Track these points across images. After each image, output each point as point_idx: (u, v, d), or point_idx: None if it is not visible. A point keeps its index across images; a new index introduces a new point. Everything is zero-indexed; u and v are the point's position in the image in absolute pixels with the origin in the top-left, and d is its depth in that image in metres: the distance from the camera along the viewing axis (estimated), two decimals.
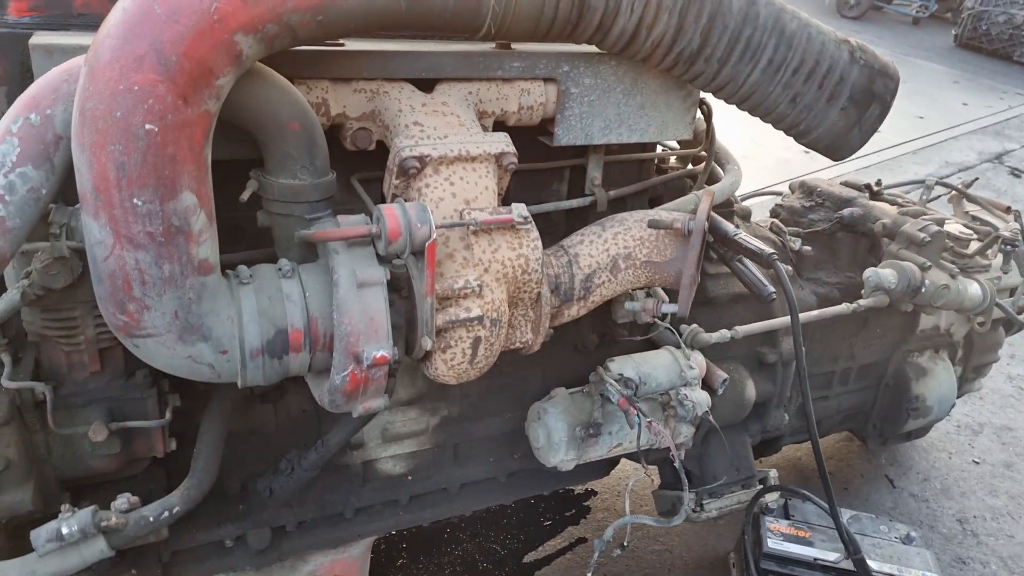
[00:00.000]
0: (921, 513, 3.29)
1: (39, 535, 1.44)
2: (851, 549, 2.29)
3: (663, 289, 2.03)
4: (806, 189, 2.92)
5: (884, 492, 3.38)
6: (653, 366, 2.06)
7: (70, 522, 1.45)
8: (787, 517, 2.54)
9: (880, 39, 12.33)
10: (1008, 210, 3.14)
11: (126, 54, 1.15)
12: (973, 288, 2.61)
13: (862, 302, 2.47)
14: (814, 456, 2.18)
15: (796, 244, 2.59)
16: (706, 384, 2.15)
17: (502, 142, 1.62)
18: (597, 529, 2.98)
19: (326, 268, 1.41)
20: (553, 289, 1.76)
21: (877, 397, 2.95)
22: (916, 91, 9.52)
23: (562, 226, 2.09)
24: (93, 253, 1.24)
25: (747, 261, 1.92)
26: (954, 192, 3.22)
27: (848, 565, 2.35)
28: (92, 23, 1.52)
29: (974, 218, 3.07)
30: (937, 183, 3.11)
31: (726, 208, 2.42)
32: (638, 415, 1.94)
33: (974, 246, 2.68)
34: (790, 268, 2.55)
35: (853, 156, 2.04)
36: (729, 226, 1.89)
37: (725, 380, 2.16)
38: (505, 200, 1.66)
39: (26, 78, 1.43)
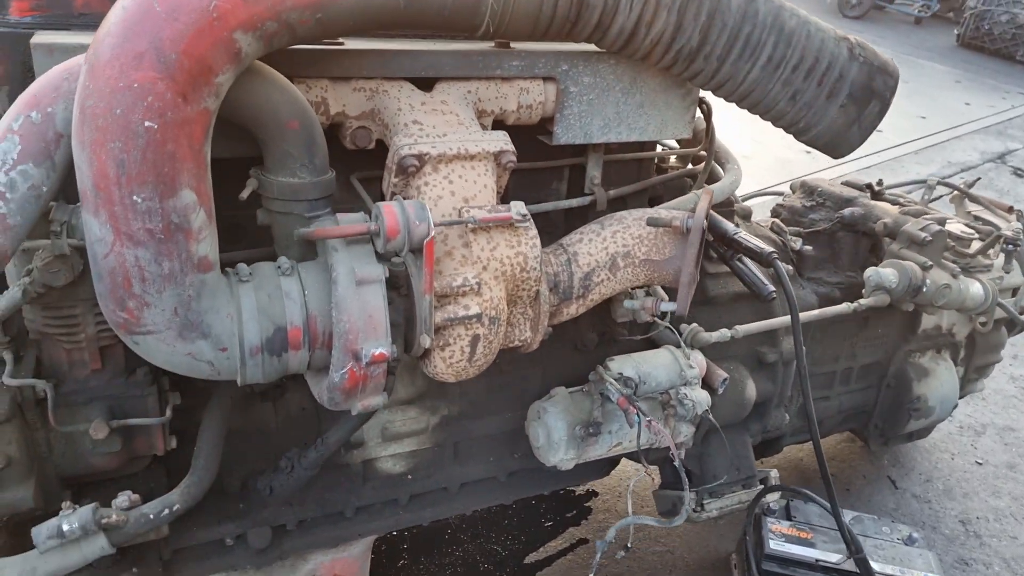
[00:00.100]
0: (923, 514, 3.28)
1: (40, 532, 1.45)
2: (853, 548, 2.28)
3: (663, 287, 2.03)
4: (807, 189, 2.92)
5: (886, 493, 3.37)
6: (653, 365, 2.06)
7: (71, 519, 1.46)
8: (789, 518, 2.53)
9: (882, 39, 12.32)
10: (1011, 210, 3.14)
11: (126, 52, 1.16)
12: (975, 288, 2.60)
13: (863, 301, 2.47)
14: (816, 456, 2.17)
15: (797, 244, 2.59)
16: (706, 383, 2.15)
17: (501, 140, 1.62)
18: (598, 530, 2.98)
19: (325, 266, 1.42)
20: (552, 287, 1.76)
21: (878, 397, 2.95)
22: (918, 91, 9.51)
23: (561, 225, 2.10)
24: (93, 250, 1.25)
25: (747, 260, 1.92)
26: (956, 192, 3.22)
27: (850, 566, 2.35)
28: (93, 23, 1.52)
29: (976, 218, 3.06)
30: (939, 183, 3.10)
31: (726, 207, 2.42)
32: (638, 414, 1.94)
33: (976, 246, 2.68)
34: (790, 267, 2.55)
35: (854, 155, 2.04)
36: (729, 225, 1.90)
37: (725, 379, 2.16)
38: (504, 199, 1.66)
39: (27, 77, 1.44)
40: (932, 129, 8.34)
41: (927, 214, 2.72)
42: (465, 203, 1.57)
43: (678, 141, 2.39)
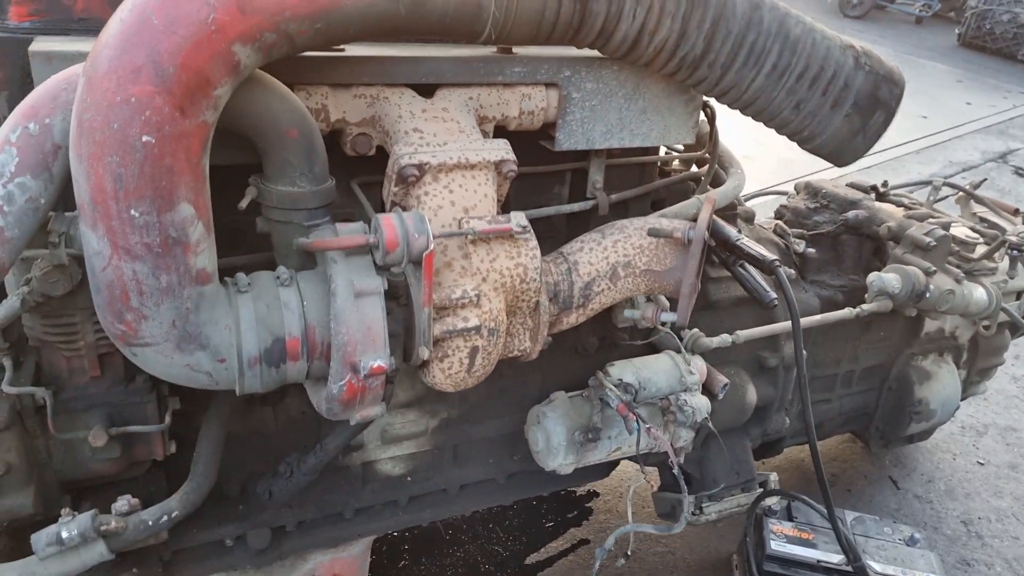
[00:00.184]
0: (925, 515, 3.28)
1: (39, 539, 1.45)
2: (851, 556, 2.29)
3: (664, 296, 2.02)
4: (811, 190, 2.90)
5: (888, 493, 3.37)
6: (653, 371, 2.06)
7: (70, 526, 1.46)
8: (790, 519, 2.53)
9: (883, 38, 12.25)
10: (1016, 212, 3.12)
11: (123, 65, 1.15)
12: (978, 293, 2.59)
13: (865, 307, 2.46)
14: (813, 465, 2.17)
15: (800, 246, 2.58)
16: (706, 389, 2.14)
17: (502, 149, 1.61)
18: (599, 530, 2.98)
19: (324, 276, 1.41)
20: (552, 297, 1.75)
21: (880, 400, 2.94)
22: (919, 91, 9.44)
23: (563, 230, 2.09)
24: (91, 263, 1.25)
25: (749, 266, 1.91)
26: (961, 193, 3.19)
27: None
28: (93, 28, 1.52)
29: (981, 219, 3.04)
30: (944, 184, 3.08)
31: (730, 211, 2.40)
32: (637, 421, 1.94)
33: (980, 250, 2.66)
34: (793, 272, 2.53)
35: None
36: (731, 231, 1.88)
37: (726, 385, 2.16)
38: (506, 204, 1.65)
39: (27, 83, 1.43)
40: (933, 129, 8.30)
41: (932, 217, 2.70)
42: (465, 213, 1.56)
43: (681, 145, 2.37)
